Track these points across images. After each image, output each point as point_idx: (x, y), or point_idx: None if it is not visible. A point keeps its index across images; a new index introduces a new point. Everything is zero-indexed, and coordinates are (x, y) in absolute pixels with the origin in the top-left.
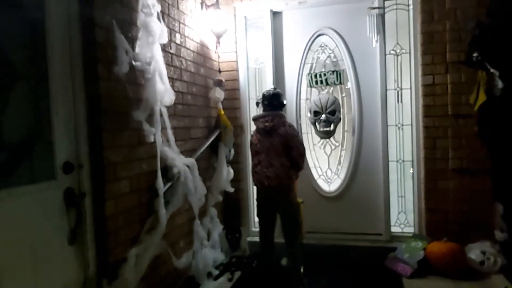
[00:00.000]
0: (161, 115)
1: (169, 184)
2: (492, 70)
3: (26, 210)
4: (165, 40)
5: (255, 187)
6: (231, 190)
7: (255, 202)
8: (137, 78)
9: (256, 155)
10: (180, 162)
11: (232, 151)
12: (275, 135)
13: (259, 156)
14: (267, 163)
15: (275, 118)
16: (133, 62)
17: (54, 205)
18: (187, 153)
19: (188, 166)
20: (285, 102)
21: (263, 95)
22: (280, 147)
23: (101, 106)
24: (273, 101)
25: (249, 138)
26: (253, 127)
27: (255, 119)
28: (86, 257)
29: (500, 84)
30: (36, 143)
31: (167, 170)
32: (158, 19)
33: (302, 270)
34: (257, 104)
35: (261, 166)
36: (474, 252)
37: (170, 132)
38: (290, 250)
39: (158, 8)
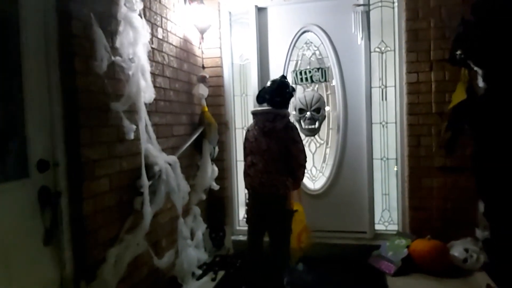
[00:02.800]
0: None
1: (150, 182)
2: (475, 68)
3: None
4: (146, 38)
5: (240, 186)
6: (216, 187)
7: (239, 202)
8: (116, 73)
9: (250, 155)
10: (162, 160)
11: (217, 149)
12: (274, 138)
13: (253, 157)
14: (262, 167)
15: (277, 118)
16: (113, 57)
17: (28, 205)
18: (169, 150)
19: (170, 164)
20: (293, 93)
21: (266, 86)
22: (278, 152)
23: (79, 101)
24: (275, 97)
25: (233, 135)
26: (238, 124)
27: (255, 114)
28: (63, 258)
29: (482, 82)
30: (9, 139)
31: (148, 168)
32: (140, 15)
33: (285, 281)
34: (258, 97)
35: (255, 170)
36: (457, 250)
37: (151, 129)
38: (275, 258)
39: (140, 5)
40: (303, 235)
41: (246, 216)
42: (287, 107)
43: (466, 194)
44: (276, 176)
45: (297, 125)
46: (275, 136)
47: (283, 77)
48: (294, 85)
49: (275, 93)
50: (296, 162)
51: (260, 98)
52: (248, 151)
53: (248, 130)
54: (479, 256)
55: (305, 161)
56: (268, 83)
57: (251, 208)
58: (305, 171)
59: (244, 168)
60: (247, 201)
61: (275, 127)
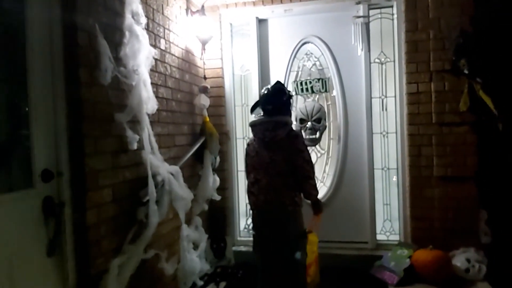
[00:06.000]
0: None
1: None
2: (477, 79)
3: (3, 219)
4: (149, 50)
5: (241, 196)
6: (218, 198)
7: (240, 212)
8: (120, 84)
9: (253, 171)
10: (164, 169)
11: (218, 159)
12: (277, 149)
13: (256, 173)
14: (266, 183)
15: (278, 126)
16: (116, 68)
17: (32, 215)
18: (171, 160)
19: (172, 174)
20: (291, 100)
21: (261, 94)
22: (283, 164)
23: (83, 111)
24: (272, 102)
25: (234, 145)
26: (239, 134)
27: (253, 126)
28: (65, 269)
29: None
30: (14, 150)
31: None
32: (143, 28)
33: None
34: (252, 109)
35: (259, 187)
36: (459, 259)
37: (153, 139)
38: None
39: (144, 20)
40: (311, 268)
41: (253, 244)
42: (287, 113)
43: (467, 203)
44: (282, 191)
45: None
46: (278, 147)
47: (278, 82)
48: (294, 95)
49: (270, 99)
50: (302, 174)
51: (254, 108)
52: (250, 167)
53: (248, 145)
54: (481, 266)
55: (313, 173)
56: (263, 91)
57: (256, 233)
58: (315, 184)
59: (247, 187)
60: (251, 226)
61: (276, 136)
